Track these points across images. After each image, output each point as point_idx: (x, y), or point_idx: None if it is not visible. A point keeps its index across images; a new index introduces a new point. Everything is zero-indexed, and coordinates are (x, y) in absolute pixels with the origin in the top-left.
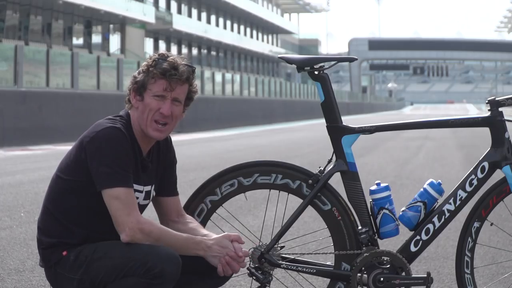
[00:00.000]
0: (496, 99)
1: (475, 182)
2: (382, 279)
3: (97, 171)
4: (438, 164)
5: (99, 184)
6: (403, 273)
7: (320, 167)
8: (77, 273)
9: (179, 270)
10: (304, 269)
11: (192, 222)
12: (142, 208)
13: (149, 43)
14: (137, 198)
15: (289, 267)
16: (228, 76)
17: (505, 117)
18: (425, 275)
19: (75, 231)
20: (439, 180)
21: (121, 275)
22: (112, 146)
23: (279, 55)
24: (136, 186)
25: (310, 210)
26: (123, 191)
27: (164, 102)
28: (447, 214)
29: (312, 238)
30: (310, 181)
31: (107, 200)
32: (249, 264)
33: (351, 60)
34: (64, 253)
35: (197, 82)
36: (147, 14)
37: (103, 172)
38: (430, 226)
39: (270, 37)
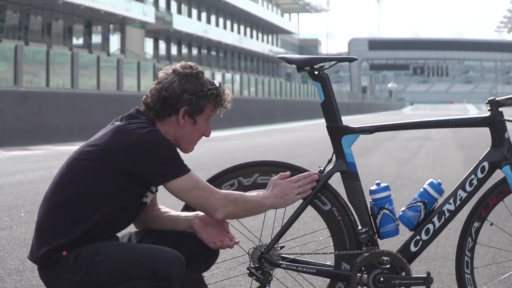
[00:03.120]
0: (496, 99)
1: (475, 182)
2: (382, 279)
3: (156, 170)
4: (438, 164)
5: (164, 179)
6: (403, 273)
7: (320, 167)
8: (76, 274)
9: (184, 271)
10: (304, 269)
11: (164, 208)
12: (144, 206)
13: (149, 43)
14: (147, 197)
15: (289, 267)
16: (228, 76)
17: (505, 117)
18: (425, 275)
19: (79, 225)
20: (439, 180)
21: (124, 279)
22: (163, 145)
23: (279, 55)
24: (152, 187)
25: (310, 210)
26: (193, 175)
27: (208, 124)
28: (447, 214)
29: (312, 238)
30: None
31: (182, 191)
32: (249, 264)
33: (351, 60)
34: (64, 253)
35: None
36: (147, 14)
37: (168, 166)
38: (430, 226)
39: (270, 37)
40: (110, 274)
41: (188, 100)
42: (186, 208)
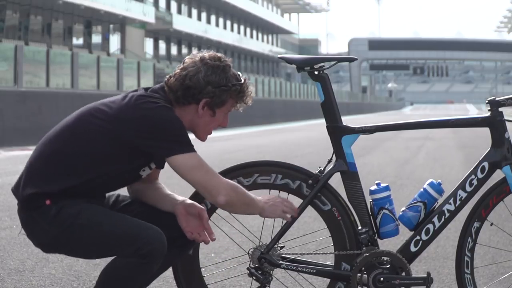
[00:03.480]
0: (496, 99)
1: (475, 182)
2: (382, 279)
3: (160, 143)
4: (438, 164)
5: (167, 152)
6: (403, 273)
7: (320, 167)
8: (54, 229)
9: (166, 249)
10: (304, 269)
11: (159, 183)
12: (139, 178)
13: (149, 43)
14: (144, 171)
15: (289, 267)
16: None
17: (505, 117)
18: (425, 275)
19: (69, 178)
20: (439, 180)
21: (103, 251)
22: (172, 121)
23: (279, 55)
24: (152, 164)
25: (310, 210)
26: (197, 155)
27: (226, 116)
28: (447, 214)
29: (312, 238)
30: (310, 181)
31: (184, 168)
32: (249, 264)
33: (351, 60)
34: (48, 202)
35: None
36: (147, 14)
37: (173, 141)
38: (430, 226)
39: (270, 37)
40: (89, 242)
41: (211, 93)
42: (194, 196)
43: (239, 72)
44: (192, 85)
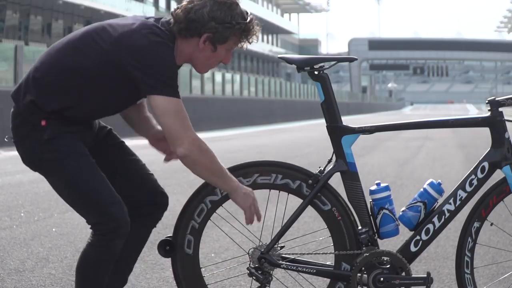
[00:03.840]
0: (496, 99)
1: (475, 182)
2: (382, 279)
3: (146, 78)
4: (438, 164)
5: (148, 89)
6: (403, 273)
7: (320, 167)
8: (41, 151)
9: (129, 226)
10: (304, 269)
11: (148, 113)
12: (133, 103)
13: None
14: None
15: (289, 267)
16: (228, 76)
17: (505, 117)
18: (425, 275)
19: (66, 93)
20: (439, 180)
21: (73, 208)
22: (166, 61)
23: (279, 55)
24: None
25: (310, 210)
26: (178, 102)
27: (229, 52)
28: (447, 214)
29: (312, 238)
30: (310, 181)
31: (160, 110)
32: (249, 264)
33: (351, 60)
34: (43, 123)
35: (197, 82)
36: (147, 14)
37: (158, 80)
38: (430, 226)
39: (270, 37)
40: (62, 187)
41: (214, 29)
42: (204, 186)
43: (247, 11)
44: (195, 19)
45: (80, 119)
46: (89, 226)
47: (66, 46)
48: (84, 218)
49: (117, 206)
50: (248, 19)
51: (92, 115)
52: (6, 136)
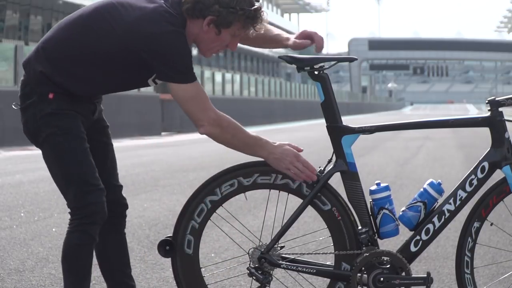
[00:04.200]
0: (496, 99)
1: (475, 182)
2: (382, 279)
3: (162, 67)
4: (438, 164)
5: (166, 78)
6: (403, 273)
7: (320, 167)
8: (42, 122)
9: (106, 214)
10: (304, 269)
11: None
12: (146, 85)
13: None
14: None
15: (289, 267)
16: (228, 76)
17: (505, 117)
18: (425, 275)
19: (76, 66)
20: (439, 180)
21: (56, 183)
22: (180, 50)
23: (279, 55)
24: None
25: (310, 210)
26: (194, 86)
27: (235, 38)
28: (447, 214)
29: (312, 238)
30: (310, 181)
31: (177, 97)
32: (249, 264)
33: (351, 60)
34: (51, 95)
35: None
36: None
37: (172, 68)
38: (430, 226)
39: None
40: (51, 161)
41: (217, 12)
42: (205, 186)
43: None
44: (200, 0)
45: (87, 95)
46: (68, 211)
47: (77, 21)
48: (66, 200)
49: (97, 193)
50: (256, 6)
51: (101, 90)
52: (14, 103)
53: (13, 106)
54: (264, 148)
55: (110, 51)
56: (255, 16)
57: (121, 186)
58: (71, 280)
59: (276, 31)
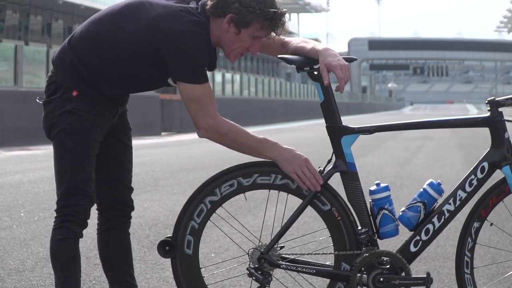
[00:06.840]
0: (496, 99)
1: (475, 182)
2: (382, 279)
3: (175, 64)
4: (438, 164)
5: (176, 75)
6: (403, 274)
7: (319, 167)
8: (58, 118)
9: (88, 215)
10: (304, 269)
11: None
12: (166, 84)
13: None
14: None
15: (289, 267)
16: (228, 76)
17: (505, 117)
18: (425, 275)
19: (99, 61)
20: (439, 180)
21: (55, 175)
22: (196, 50)
23: (279, 55)
24: None
25: (310, 210)
26: (202, 88)
27: (256, 42)
28: (447, 214)
29: (312, 238)
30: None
31: (182, 95)
32: (249, 265)
33: (351, 60)
34: (75, 93)
35: None
36: None
37: (184, 67)
38: (430, 226)
39: None
40: (56, 155)
41: (236, 10)
42: (205, 186)
43: (281, 6)
44: None
45: (112, 94)
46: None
47: (107, 16)
48: (58, 192)
49: (81, 197)
50: (277, 9)
51: (125, 88)
52: (38, 97)
53: (37, 100)
54: (273, 150)
55: (136, 47)
56: (274, 18)
57: (132, 189)
58: (59, 275)
59: (309, 46)
